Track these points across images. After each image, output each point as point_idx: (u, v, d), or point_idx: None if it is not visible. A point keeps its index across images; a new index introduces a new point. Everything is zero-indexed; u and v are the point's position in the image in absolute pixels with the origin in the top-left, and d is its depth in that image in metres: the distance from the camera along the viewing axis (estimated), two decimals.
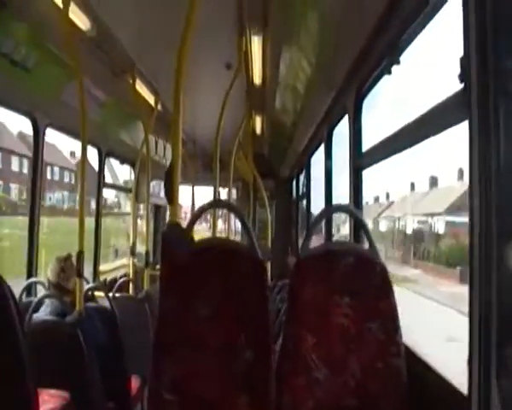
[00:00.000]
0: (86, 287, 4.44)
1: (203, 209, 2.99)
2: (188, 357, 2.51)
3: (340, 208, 3.53)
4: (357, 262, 2.60)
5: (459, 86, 1.97)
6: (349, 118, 3.93)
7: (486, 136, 1.72)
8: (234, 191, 10.88)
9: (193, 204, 10.28)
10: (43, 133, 4.84)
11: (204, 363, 2.51)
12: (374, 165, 3.48)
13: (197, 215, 2.99)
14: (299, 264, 2.66)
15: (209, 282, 2.57)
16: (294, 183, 9.56)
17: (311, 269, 2.63)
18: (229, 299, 2.56)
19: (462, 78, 1.92)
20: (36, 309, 3.95)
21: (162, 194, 8.81)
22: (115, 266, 9.55)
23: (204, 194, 10.91)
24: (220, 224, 9.07)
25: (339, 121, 4.78)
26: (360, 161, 3.76)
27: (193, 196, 10.37)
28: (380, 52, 3.15)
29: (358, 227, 3.63)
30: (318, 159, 6.41)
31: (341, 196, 4.37)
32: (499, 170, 1.70)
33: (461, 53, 1.94)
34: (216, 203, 4.08)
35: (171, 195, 3.11)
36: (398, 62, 3.00)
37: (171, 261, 2.67)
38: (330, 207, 5.21)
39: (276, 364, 2.57)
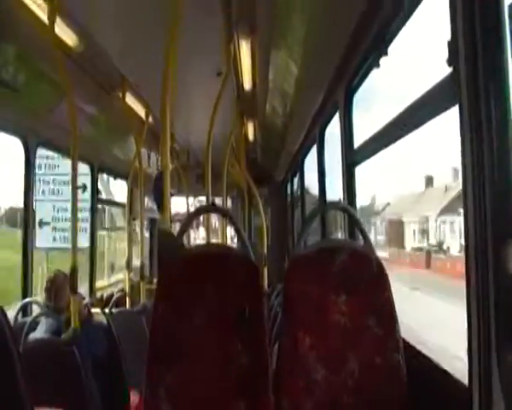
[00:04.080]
0: (82, 303, 4.41)
1: (196, 214, 2.99)
2: (183, 366, 2.46)
3: (334, 205, 3.52)
4: (352, 258, 2.56)
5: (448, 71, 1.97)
6: (340, 114, 3.93)
7: (477, 118, 1.70)
8: (229, 201, 10.89)
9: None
10: (34, 152, 4.83)
11: (200, 371, 2.46)
12: (367, 160, 3.47)
13: (188, 222, 2.98)
14: (292, 264, 2.63)
15: (203, 288, 2.52)
16: (289, 186, 9.55)
17: (306, 268, 2.59)
18: (223, 305, 2.52)
19: (450, 61, 1.91)
20: (33, 328, 3.93)
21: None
22: (111, 282, 9.52)
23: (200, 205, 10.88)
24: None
25: (330, 119, 4.78)
26: (353, 156, 3.75)
27: (187, 207, 10.37)
28: (367, 45, 3.14)
29: (353, 224, 3.60)
30: (313, 161, 6.42)
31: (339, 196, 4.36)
32: (492, 153, 1.69)
33: (448, 37, 1.95)
34: (208, 208, 4.08)
35: (162, 202, 3.12)
36: (385, 54, 2.99)
37: (163, 269, 2.65)
38: (324, 205, 5.20)
39: (275, 367, 2.53)
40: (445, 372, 2.28)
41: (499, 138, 1.68)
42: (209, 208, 4.10)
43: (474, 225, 1.73)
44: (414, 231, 29.14)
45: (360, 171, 3.69)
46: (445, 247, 25.70)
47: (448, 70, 1.97)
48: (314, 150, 5.67)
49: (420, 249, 27.07)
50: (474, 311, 1.75)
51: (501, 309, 1.67)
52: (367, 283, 2.53)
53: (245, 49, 4.44)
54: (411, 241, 28.80)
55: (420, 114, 2.42)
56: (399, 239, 28.81)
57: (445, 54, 1.95)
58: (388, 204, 33.40)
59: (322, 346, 2.49)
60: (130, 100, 5.81)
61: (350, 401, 2.44)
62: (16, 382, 2.74)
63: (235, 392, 2.44)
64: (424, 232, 28.30)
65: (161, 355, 2.47)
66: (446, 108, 2.06)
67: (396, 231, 29.55)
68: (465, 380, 1.87)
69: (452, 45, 1.88)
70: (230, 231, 9.33)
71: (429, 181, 31.29)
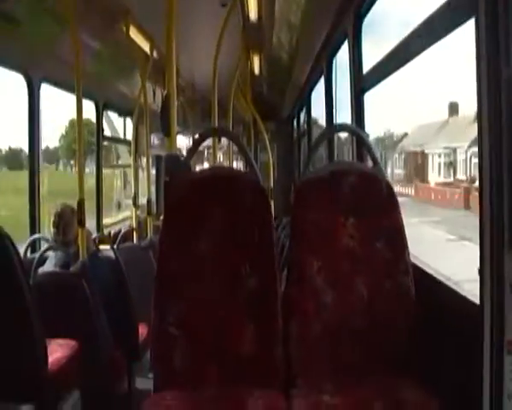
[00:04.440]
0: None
1: (203, 137, 2.95)
2: (191, 290, 2.46)
3: (343, 127, 3.46)
4: (361, 181, 2.53)
5: None
6: (349, 41, 3.85)
7: (494, 33, 1.66)
8: None
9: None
10: (38, 88, 4.77)
11: (208, 294, 2.46)
12: (377, 85, 3.41)
13: (196, 144, 2.94)
14: (300, 187, 2.61)
15: (210, 213, 2.50)
16: (295, 121, 9.48)
17: (313, 191, 2.57)
18: (232, 227, 2.50)
19: None
20: (42, 263, 3.98)
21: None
22: (118, 219, 9.58)
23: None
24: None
25: (339, 48, 4.69)
26: (362, 82, 3.69)
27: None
28: None
29: (361, 146, 3.52)
30: (320, 94, 6.32)
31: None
32: (509, 70, 1.64)
33: None
34: (215, 131, 4.02)
35: (168, 127, 3.09)
36: None
37: (170, 195, 2.62)
38: (332, 127, 5.13)
39: (283, 291, 2.53)
40: (456, 293, 2.29)
41: None
42: (216, 131, 4.04)
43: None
44: (439, 164, 27.62)
45: (374, 99, 3.63)
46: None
47: None
48: (321, 83, 5.59)
49: (448, 185, 25.52)
50: (486, 224, 1.75)
51: None
52: (376, 205, 2.51)
53: None
54: (436, 175, 26.14)
55: (433, 31, 2.33)
56: (421, 173, 26.85)
57: None
58: (406, 134, 31.50)
59: (330, 269, 2.49)
60: (134, 34, 5.70)
61: (359, 324, 2.46)
62: (28, 312, 2.80)
63: (243, 315, 2.45)
64: (451, 165, 27.02)
65: (168, 281, 2.47)
66: (462, 23, 1.98)
67: (418, 165, 27.62)
68: (476, 299, 1.88)
69: None
70: (237, 164, 9.33)
71: (454, 108, 28.92)
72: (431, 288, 2.54)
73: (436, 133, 26.43)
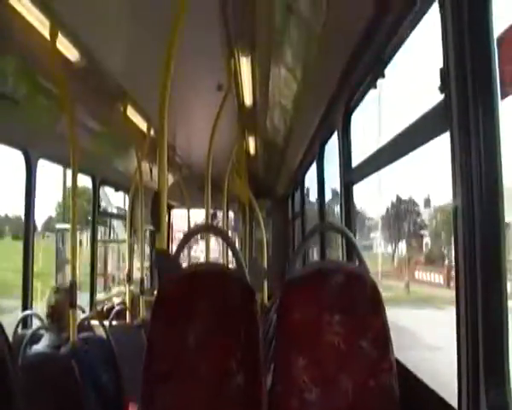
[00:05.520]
0: (81, 317, 4.41)
1: (191, 234, 3.00)
2: (179, 385, 2.48)
3: (330, 226, 3.51)
4: (348, 280, 2.57)
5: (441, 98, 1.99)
6: (338, 133, 3.95)
7: (467, 144, 1.75)
8: (231, 213, 10.90)
9: (189, 228, 10.29)
10: (35, 165, 4.85)
11: (195, 390, 2.48)
12: (363, 179, 3.49)
13: (184, 241, 3.00)
14: (287, 284, 2.64)
15: (197, 309, 2.55)
16: (290, 201, 9.58)
17: (301, 289, 2.61)
18: (218, 324, 2.54)
19: (442, 88, 1.94)
20: (34, 341, 3.93)
21: None
22: (111, 294, 9.50)
23: (201, 217, 10.93)
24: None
25: (329, 137, 4.80)
26: (350, 175, 3.77)
27: (188, 219, 10.39)
28: (364, 66, 3.18)
29: (348, 245, 3.59)
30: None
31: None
32: (481, 176, 1.74)
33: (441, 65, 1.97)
34: (204, 228, 4.10)
35: (158, 222, 3.12)
36: (382, 76, 3.03)
37: (160, 288, 2.67)
38: (321, 225, 5.18)
39: (269, 387, 2.53)
40: (436, 395, 2.28)
41: (487, 165, 1.74)
42: (205, 228, 4.11)
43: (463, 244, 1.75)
44: None
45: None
46: None
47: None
48: (314, 167, 5.68)
49: None
50: (463, 342, 1.77)
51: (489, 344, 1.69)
52: (361, 305, 2.54)
53: (245, 66, 4.47)
54: None
55: (413, 138, 2.45)
56: None
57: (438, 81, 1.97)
58: None
59: (316, 367, 2.50)
60: (131, 113, 5.84)
61: None
62: (11, 395, 2.74)
63: None
64: None
65: (157, 373, 2.49)
66: (438, 134, 2.08)
67: None
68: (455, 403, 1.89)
69: (444, 72, 1.90)
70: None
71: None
72: (413, 386, 2.53)
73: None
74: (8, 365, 2.70)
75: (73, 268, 4.11)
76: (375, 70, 3.07)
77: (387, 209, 28.08)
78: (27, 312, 4.59)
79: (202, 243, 16.45)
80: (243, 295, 2.58)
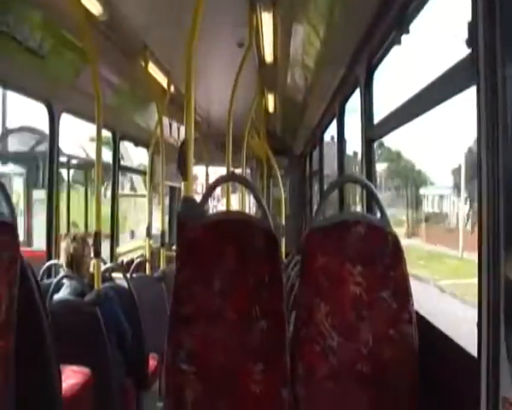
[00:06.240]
0: (104, 267, 4.52)
1: (217, 183, 3.05)
2: (203, 329, 2.57)
3: (351, 178, 3.54)
4: (369, 231, 2.64)
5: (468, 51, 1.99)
6: (360, 90, 3.95)
7: (494, 101, 1.74)
8: (248, 171, 10.94)
9: (207, 184, 10.36)
10: (59, 119, 4.91)
11: (219, 334, 2.57)
12: (385, 136, 3.50)
13: (211, 189, 3.06)
14: (310, 235, 2.71)
15: (223, 254, 2.61)
16: (308, 159, 9.57)
17: (323, 239, 2.68)
18: (242, 270, 2.61)
19: (469, 42, 1.94)
20: (57, 290, 4.06)
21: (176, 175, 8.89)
22: (131, 247, 9.66)
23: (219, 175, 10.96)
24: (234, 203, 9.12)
25: (351, 95, 4.78)
26: (372, 132, 3.78)
27: (207, 176, 10.46)
28: (389, 22, 3.16)
29: (370, 198, 3.63)
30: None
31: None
32: (507, 135, 1.72)
33: (469, 18, 1.96)
34: (229, 177, 4.16)
35: (185, 171, 3.20)
36: (407, 32, 3.01)
37: (185, 236, 2.73)
38: (342, 177, 5.24)
39: (291, 333, 2.63)
40: (456, 344, 2.34)
41: None
42: (230, 177, 4.18)
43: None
44: None
45: None
46: None
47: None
48: (334, 124, 5.68)
49: None
50: (484, 286, 1.80)
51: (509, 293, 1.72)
52: (382, 257, 2.61)
53: (267, 22, 4.45)
54: None
55: (438, 92, 2.45)
56: None
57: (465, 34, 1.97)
58: None
59: (337, 314, 2.59)
60: (152, 69, 5.86)
61: (363, 369, 2.56)
62: (44, 337, 2.86)
63: (252, 355, 2.55)
64: None
65: (182, 318, 2.58)
66: (464, 88, 2.08)
67: None
68: (474, 352, 1.92)
69: (472, 26, 1.90)
70: (250, 202, 9.43)
71: None
72: (433, 338, 2.60)
73: None
74: (39, 307, 2.82)
75: (98, 218, 4.22)
76: (399, 25, 3.05)
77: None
78: (52, 261, 4.70)
79: (220, 205, 16.63)
80: (267, 242, 2.63)
